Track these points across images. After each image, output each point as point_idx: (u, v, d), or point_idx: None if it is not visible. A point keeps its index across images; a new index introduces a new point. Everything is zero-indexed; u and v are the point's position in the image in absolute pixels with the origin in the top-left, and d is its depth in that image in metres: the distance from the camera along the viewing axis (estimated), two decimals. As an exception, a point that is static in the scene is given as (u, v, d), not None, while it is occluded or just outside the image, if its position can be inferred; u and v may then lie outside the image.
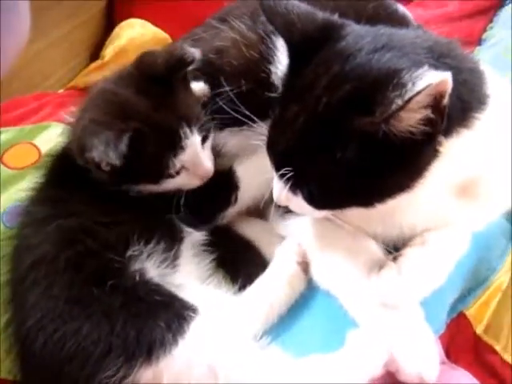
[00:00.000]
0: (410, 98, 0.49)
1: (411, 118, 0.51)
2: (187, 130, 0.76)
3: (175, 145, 0.75)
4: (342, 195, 0.60)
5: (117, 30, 1.26)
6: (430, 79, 0.49)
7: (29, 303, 0.67)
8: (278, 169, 0.62)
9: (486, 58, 1.00)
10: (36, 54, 1.13)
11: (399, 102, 0.49)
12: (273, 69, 0.81)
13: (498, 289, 0.80)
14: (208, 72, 0.86)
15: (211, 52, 0.86)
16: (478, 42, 1.06)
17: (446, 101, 0.50)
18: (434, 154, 0.56)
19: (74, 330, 0.64)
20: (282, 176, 0.61)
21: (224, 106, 0.80)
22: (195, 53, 0.77)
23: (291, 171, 0.60)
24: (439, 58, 0.57)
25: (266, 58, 0.82)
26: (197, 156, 0.78)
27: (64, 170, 0.81)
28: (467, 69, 0.60)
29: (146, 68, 0.78)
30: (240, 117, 0.73)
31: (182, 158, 0.76)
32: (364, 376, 0.63)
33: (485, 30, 1.13)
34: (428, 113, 0.51)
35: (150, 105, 0.75)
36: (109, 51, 1.22)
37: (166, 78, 0.76)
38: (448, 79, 0.49)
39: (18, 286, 0.71)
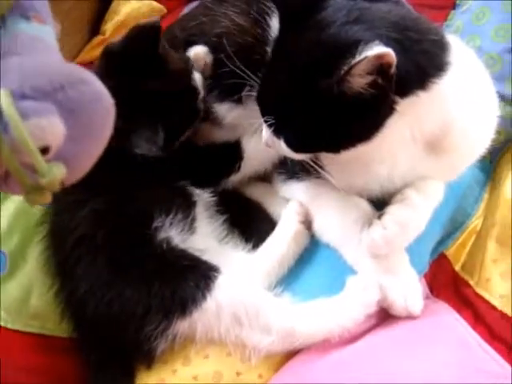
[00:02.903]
0: (352, 66, 0.58)
1: (358, 82, 0.60)
2: (194, 76, 0.87)
3: (196, 93, 0.88)
4: (313, 141, 0.70)
5: (114, 5, 1.28)
6: (370, 52, 0.57)
7: (77, 276, 0.75)
8: (263, 116, 0.72)
9: (459, 24, 1.03)
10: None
11: (345, 67, 0.58)
12: (268, 49, 0.82)
13: (473, 231, 0.88)
14: (214, 55, 0.89)
15: (213, 37, 0.89)
16: (453, 6, 1.09)
17: (393, 70, 0.58)
18: (389, 111, 0.64)
19: (117, 294, 0.72)
20: (266, 122, 0.71)
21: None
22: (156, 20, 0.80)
23: (273, 119, 0.69)
24: (403, 31, 0.63)
25: (262, 41, 0.84)
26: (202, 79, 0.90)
27: None
28: (429, 40, 0.65)
29: (115, 56, 0.81)
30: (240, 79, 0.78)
31: (202, 96, 0.89)
32: (362, 313, 0.73)
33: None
34: (376, 78, 0.59)
35: (156, 82, 0.81)
36: (109, 26, 1.25)
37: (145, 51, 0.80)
38: (389, 53, 0.56)
39: (64, 262, 0.78)
